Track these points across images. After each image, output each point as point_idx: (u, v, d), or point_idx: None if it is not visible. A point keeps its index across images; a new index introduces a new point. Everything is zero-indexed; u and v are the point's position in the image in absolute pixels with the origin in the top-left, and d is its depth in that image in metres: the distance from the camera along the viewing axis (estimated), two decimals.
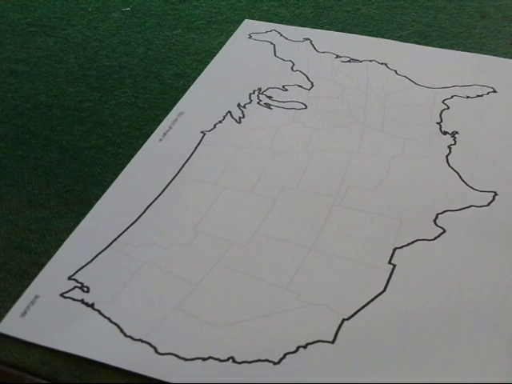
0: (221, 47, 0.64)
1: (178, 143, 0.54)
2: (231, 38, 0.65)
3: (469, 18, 0.68)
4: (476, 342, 0.40)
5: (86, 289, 0.44)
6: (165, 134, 0.55)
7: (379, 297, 0.42)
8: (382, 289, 0.43)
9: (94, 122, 0.57)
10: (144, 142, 0.55)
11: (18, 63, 0.64)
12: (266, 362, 0.39)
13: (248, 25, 0.67)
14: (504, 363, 0.39)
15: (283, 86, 0.60)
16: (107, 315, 0.42)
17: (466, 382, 0.38)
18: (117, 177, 0.52)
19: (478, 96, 0.58)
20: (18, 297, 0.44)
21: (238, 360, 0.39)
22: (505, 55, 0.62)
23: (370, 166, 0.52)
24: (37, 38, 0.67)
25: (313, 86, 0.60)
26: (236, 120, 0.56)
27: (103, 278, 0.45)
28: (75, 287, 0.44)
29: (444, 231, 0.47)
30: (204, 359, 0.40)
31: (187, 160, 0.53)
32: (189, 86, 0.60)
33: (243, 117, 0.57)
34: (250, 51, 0.64)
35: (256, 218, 0.48)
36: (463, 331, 0.41)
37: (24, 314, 0.43)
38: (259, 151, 0.54)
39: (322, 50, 0.64)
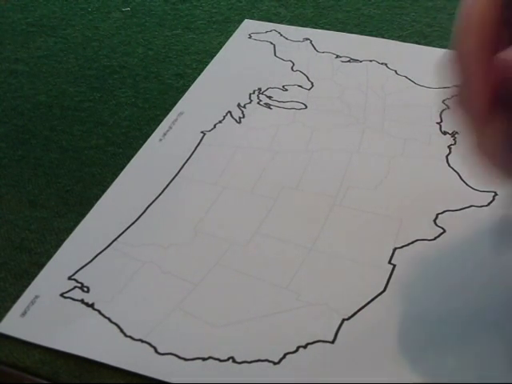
0: (221, 47, 0.64)
1: (178, 143, 0.54)
2: (231, 38, 0.65)
3: None
4: (476, 342, 0.40)
5: (85, 289, 0.44)
6: (165, 134, 0.55)
7: (379, 297, 0.42)
8: (382, 289, 0.43)
9: (94, 122, 0.57)
10: (144, 142, 0.55)
11: (18, 63, 0.64)
12: (266, 362, 0.39)
13: (248, 25, 0.67)
14: (504, 363, 0.39)
15: (283, 86, 0.60)
16: (107, 315, 0.42)
17: (466, 382, 0.38)
18: (117, 177, 0.52)
19: None
20: (17, 297, 0.44)
21: (238, 360, 0.39)
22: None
23: (370, 165, 0.52)
24: (37, 38, 0.67)
25: (313, 85, 0.60)
26: (236, 120, 0.56)
27: (103, 277, 0.45)
28: (75, 287, 0.44)
29: (444, 231, 0.46)
30: (204, 359, 0.40)
31: (187, 160, 0.53)
32: (189, 86, 0.60)
33: (243, 117, 0.57)
34: (250, 51, 0.64)
35: (256, 217, 0.48)
36: (463, 331, 0.41)
37: (24, 313, 0.43)
38: (259, 151, 0.54)
39: (321, 50, 0.64)
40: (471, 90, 0.35)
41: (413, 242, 0.46)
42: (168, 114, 0.57)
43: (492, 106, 0.35)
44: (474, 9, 0.37)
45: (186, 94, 0.59)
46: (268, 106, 0.58)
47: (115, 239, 0.47)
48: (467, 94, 0.36)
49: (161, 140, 0.55)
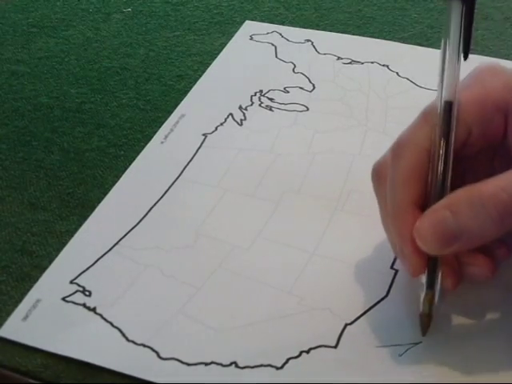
0: (222, 48, 0.64)
1: (180, 146, 0.54)
2: (232, 40, 0.65)
3: None
4: (477, 343, 0.40)
5: (87, 293, 0.44)
6: (166, 137, 0.55)
7: (381, 302, 0.42)
8: (384, 294, 0.43)
9: (96, 124, 0.57)
10: (145, 144, 0.55)
11: (19, 64, 0.64)
12: (269, 367, 0.39)
13: (249, 26, 0.67)
14: (505, 363, 0.39)
15: (284, 88, 0.60)
16: (109, 319, 0.42)
17: (467, 383, 0.38)
18: (118, 179, 0.52)
19: None
20: (19, 300, 0.44)
21: (241, 365, 0.39)
22: (507, 57, 0.62)
23: None
24: (38, 38, 0.67)
25: (314, 87, 0.60)
26: (237, 122, 0.56)
27: (105, 281, 0.44)
28: (77, 291, 0.44)
29: None
30: (207, 364, 0.39)
31: (189, 162, 0.53)
32: (190, 87, 0.60)
33: (245, 119, 0.57)
34: (251, 53, 0.64)
35: (258, 221, 0.48)
36: (465, 333, 0.41)
37: (26, 318, 0.42)
38: (261, 153, 0.53)
39: (323, 52, 0.63)
40: (403, 253, 0.39)
41: None
42: (169, 115, 0.57)
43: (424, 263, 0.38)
44: (402, 166, 0.39)
45: (188, 95, 0.59)
46: (269, 108, 0.58)
47: (117, 242, 0.47)
48: (400, 253, 0.39)
49: (162, 142, 0.55)
